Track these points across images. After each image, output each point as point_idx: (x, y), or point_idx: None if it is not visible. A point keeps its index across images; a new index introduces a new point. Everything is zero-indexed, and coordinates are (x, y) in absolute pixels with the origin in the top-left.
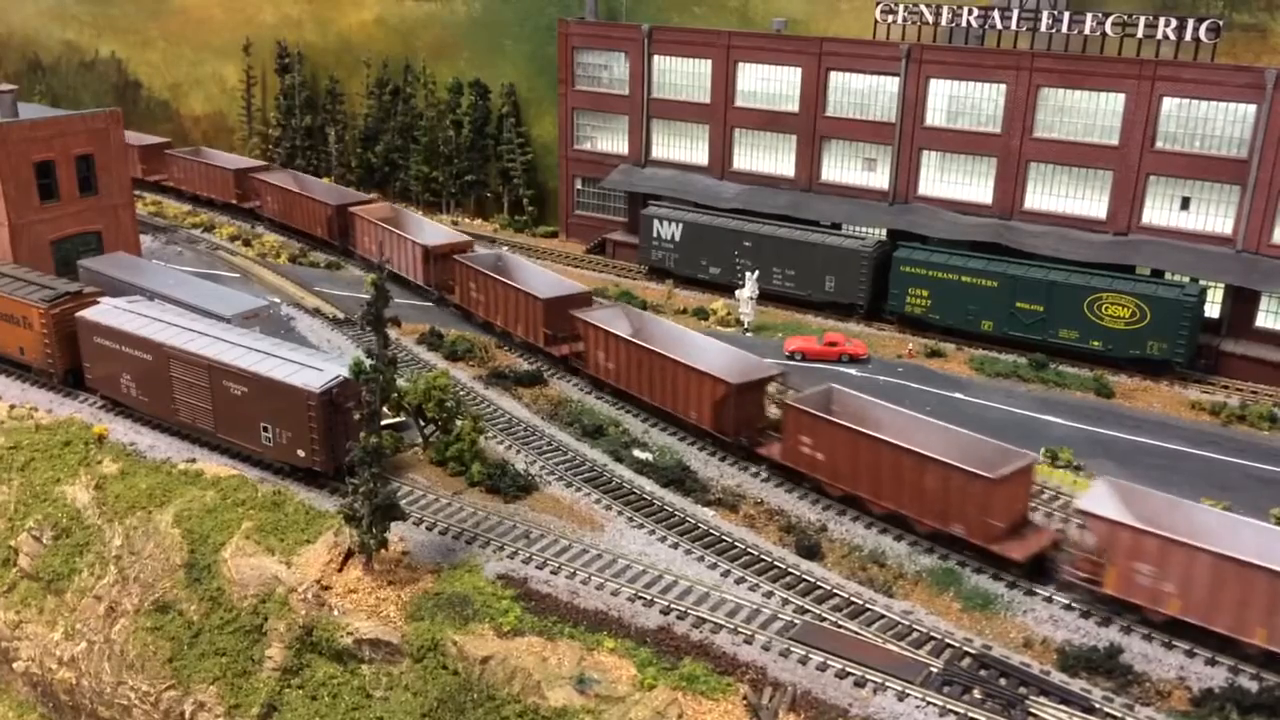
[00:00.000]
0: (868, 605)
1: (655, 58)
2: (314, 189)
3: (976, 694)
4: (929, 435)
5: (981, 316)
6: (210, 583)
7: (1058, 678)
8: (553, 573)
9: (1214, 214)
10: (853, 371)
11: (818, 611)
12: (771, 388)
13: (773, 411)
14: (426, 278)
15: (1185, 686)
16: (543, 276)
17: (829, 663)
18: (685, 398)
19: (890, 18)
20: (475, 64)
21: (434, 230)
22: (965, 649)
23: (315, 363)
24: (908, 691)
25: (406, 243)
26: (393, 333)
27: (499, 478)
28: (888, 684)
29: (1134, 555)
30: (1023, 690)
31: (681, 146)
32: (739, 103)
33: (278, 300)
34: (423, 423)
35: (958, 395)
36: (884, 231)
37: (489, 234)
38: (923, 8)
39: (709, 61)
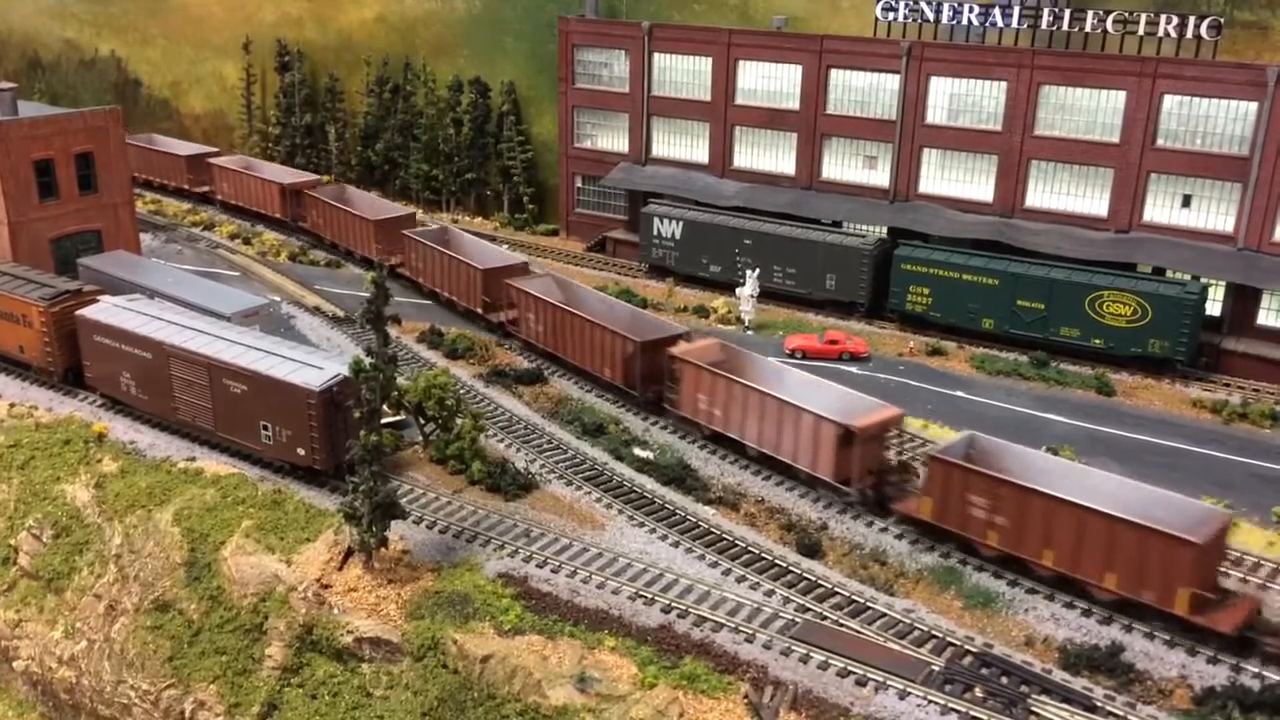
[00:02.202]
0: (869, 604)
1: (655, 55)
2: (591, 305)
3: (978, 692)
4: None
5: (982, 314)
6: (210, 581)
7: (1059, 676)
8: (553, 571)
9: (1215, 212)
10: (854, 370)
11: (819, 610)
12: None
13: None
14: (840, 471)
15: (1187, 685)
16: (1128, 489)
17: (830, 661)
18: None
19: (891, 15)
20: (475, 62)
21: (825, 391)
22: (967, 647)
23: (315, 361)
24: (909, 690)
25: (794, 415)
26: (393, 331)
27: (499, 476)
28: (889, 683)
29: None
30: (1024, 689)
31: (682, 144)
32: (739, 100)
33: (278, 299)
34: (423, 421)
35: (959, 393)
36: (885, 229)
37: (489, 232)
38: (923, 5)
39: (709, 59)
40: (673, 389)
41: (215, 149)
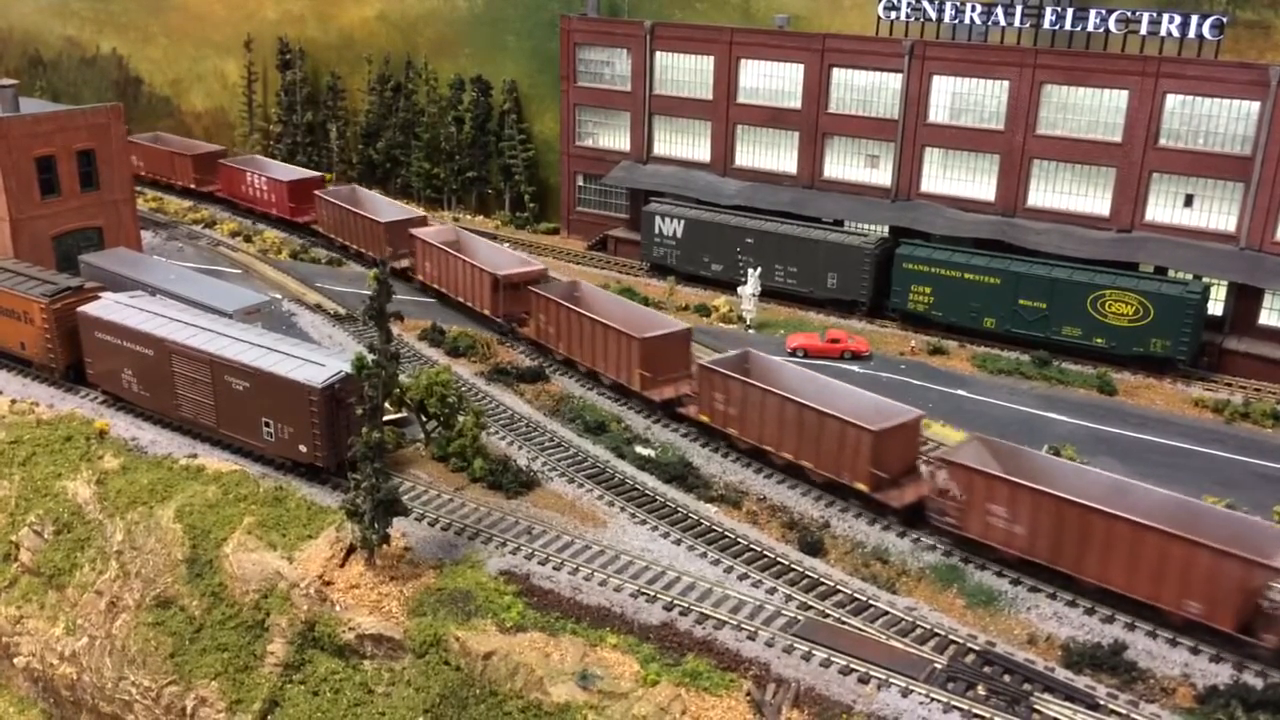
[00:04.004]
0: (871, 602)
1: (657, 54)
2: (1092, 488)
3: (980, 690)
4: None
5: (984, 314)
6: (212, 578)
7: (1062, 674)
8: (555, 569)
9: (1217, 211)
10: (855, 368)
11: (821, 608)
12: None
13: None
14: None
15: (1190, 683)
16: None
17: (832, 659)
18: None
19: (893, 14)
20: (477, 60)
21: None
22: (969, 645)
23: (317, 358)
24: (912, 688)
25: None
26: (395, 328)
27: (501, 473)
28: (891, 680)
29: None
30: (1027, 687)
31: (683, 143)
32: (741, 99)
33: (279, 296)
34: (424, 418)
35: (960, 392)
36: (886, 228)
37: (490, 230)
38: (925, 4)
39: (711, 58)
40: None
41: (420, 212)
